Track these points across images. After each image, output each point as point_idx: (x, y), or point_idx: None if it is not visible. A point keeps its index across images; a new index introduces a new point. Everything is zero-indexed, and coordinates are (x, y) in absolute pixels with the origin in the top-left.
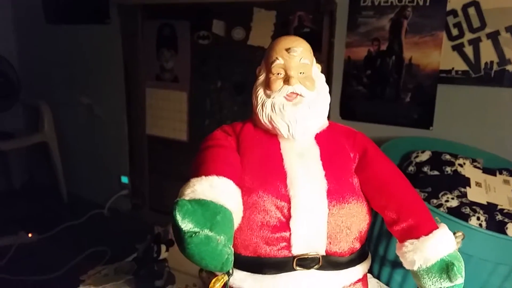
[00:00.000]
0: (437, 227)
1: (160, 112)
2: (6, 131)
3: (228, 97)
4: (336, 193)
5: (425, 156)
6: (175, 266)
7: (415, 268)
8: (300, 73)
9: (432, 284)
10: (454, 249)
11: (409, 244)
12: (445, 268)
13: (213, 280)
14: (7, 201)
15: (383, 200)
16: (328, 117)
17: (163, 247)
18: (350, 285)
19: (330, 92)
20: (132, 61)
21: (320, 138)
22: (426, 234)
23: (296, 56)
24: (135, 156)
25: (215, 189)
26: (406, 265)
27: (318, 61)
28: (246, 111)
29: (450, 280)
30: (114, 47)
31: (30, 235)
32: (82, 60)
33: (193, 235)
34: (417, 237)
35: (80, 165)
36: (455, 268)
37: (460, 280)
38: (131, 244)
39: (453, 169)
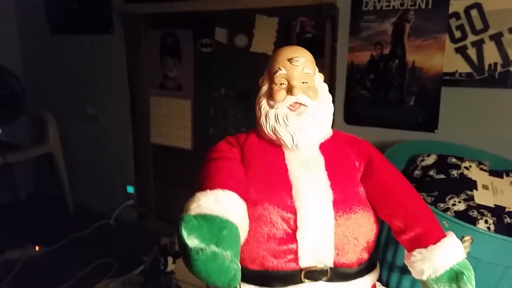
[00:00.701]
0: (445, 236)
1: (164, 121)
2: (11, 142)
3: (232, 104)
4: (342, 203)
5: (430, 159)
6: (183, 278)
7: (424, 278)
8: (303, 83)
9: None
10: (463, 258)
11: (417, 253)
12: (455, 277)
13: None
14: (13, 213)
15: (389, 209)
16: (332, 123)
17: (170, 259)
18: None
19: (333, 97)
20: (136, 70)
21: (324, 147)
22: (434, 243)
23: (299, 66)
24: (140, 165)
25: (220, 203)
26: (415, 275)
27: (321, 66)
28: (250, 118)
29: None
30: (118, 56)
31: (37, 248)
32: (86, 70)
33: (200, 251)
34: (425, 246)
35: (85, 176)
36: (464, 277)
37: None
38: (138, 255)
39: (459, 172)
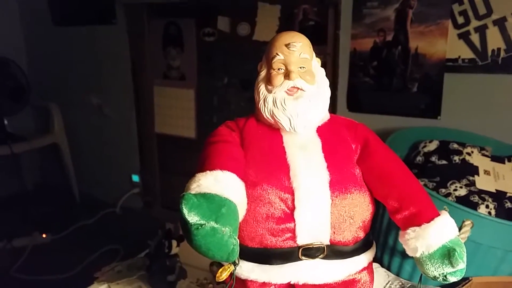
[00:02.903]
0: (439, 214)
1: (168, 110)
2: (17, 133)
3: (235, 93)
4: (339, 184)
5: (433, 145)
6: (187, 261)
7: (417, 255)
8: (300, 67)
9: (435, 270)
10: (455, 235)
11: (411, 231)
12: (447, 254)
13: (220, 270)
14: (20, 203)
15: (385, 190)
16: (335, 110)
17: (174, 243)
18: (356, 273)
19: (336, 84)
20: (139, 60)
21: (321, 130)
22: (428, 221)
23: (296, 51)
24: (145, 155)
25: (219, 183)
26: (409, 252)
27: (324, 53)
28: (253, 106)
29: (452, 266)
30: (121, 47)
31: (44, 235)
32: (90, 60)
33: (200, 227)
34: (419, 225)
35: (91, 165)
36: (456, 253)
37: (461, 265)
38: (143, 242)
39: (461, 158)
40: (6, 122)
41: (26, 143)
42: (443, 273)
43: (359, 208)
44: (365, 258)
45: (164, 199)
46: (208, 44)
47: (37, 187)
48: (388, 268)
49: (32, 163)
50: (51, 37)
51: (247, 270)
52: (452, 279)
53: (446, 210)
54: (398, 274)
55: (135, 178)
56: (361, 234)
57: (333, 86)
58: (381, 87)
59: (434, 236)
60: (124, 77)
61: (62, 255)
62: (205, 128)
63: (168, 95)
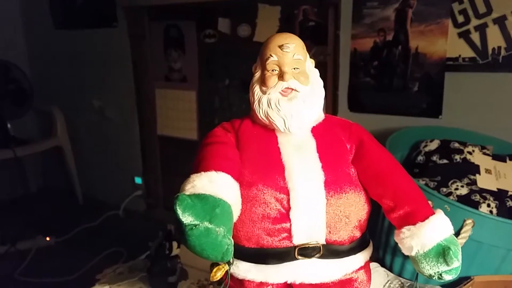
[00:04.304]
0: (433, 213)
1: (170, 112)
2: (20, 137)
3: (236, 94)
4: (334, 184)
5: (433, 145)
6: (188, 262)
7: (413, 254)
8: (294, 68)
9: (430, 268)
10: (450, 234)
11: (406, 230)
12: (442, 253)
13: (214, 270)
14: (24, 206)
15: (380, 189)
16: (336, 110)
17: (175, 244)
18: (352, 272)
19: (337, 84)
20: (140, 63)
21: (316, 131)
22: (423, 220)
23: (289, 52)
24: (148, 157)
25: (213, 183)
26: (404, 251)
27: (324, 54)
28: None
29: (447, 264)
30: (123, 49)
31: (48, 238)
32: (92, 64)
33: (194, 227)
34: (414, 223)
35: (94, 168)
36: (451, 252)
37: (456, 263)
38: (146, 244)
39: (462, 157)
40: (9, 126)
41: (29, 147)
42: (438, 272)
43: (354, 208)
44: (361, 257)
45: (167, 201)
46: (209, 46)
47: (40, 190)
48: (390, 268)
49: (35, 167)
50: (53, 41)
51: (244, 270)
52: (447, 277)
53: (447, 210)
54: (400, 274)
55: (138, 180)
56: (357, 234)
57: (334, 87)
58: (382, 87)
59: (429, 234)
60: (125, 80)
61: (66, 257)
62: (207, 130)
63: (170, 97)
